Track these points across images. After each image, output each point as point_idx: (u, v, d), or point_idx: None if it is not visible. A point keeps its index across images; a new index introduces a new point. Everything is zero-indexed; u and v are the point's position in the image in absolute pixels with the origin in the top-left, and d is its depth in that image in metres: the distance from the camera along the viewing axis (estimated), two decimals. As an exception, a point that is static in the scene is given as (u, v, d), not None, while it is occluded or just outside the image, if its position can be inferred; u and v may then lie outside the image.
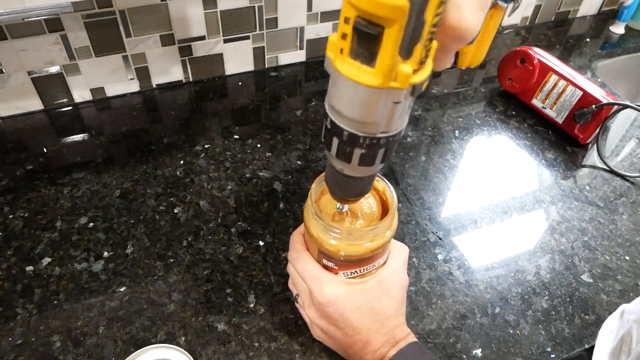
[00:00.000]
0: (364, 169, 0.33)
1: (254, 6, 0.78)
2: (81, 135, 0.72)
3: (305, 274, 0.44)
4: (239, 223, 0.60)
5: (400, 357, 0.40)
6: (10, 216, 0.59)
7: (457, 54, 0.41)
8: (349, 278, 0.44)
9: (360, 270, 0.44)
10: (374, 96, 0.27)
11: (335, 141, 0.32)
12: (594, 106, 0.70)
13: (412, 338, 0.42)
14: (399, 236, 0.59)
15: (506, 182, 0.69)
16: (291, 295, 0.49)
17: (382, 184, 0.45)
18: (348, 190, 0.37)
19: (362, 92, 0.27)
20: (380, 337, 0.41)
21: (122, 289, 0.52)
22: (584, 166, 0.73)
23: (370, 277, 0.44)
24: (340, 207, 0.43)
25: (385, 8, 0.23)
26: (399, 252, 0.47)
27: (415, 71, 0.27)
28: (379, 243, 0.41)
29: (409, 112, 0.31)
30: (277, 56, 0.87)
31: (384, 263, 0.46)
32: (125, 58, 0.75)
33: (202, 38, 0.78)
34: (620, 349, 0.46)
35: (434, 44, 0.27)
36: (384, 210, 0.45)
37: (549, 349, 0.49)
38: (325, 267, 0.44)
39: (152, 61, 0.78)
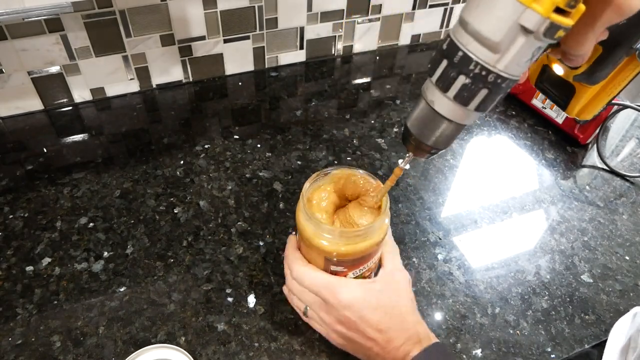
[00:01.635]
0: (455, 106, 0.32)
1: (254, 6, 0.78)
2: (81, 135, 0.72)
3: (317, 286, 0.43)
4: (239, 223, 0.60)
5: (426, 356, 0.40)
6: (10, 216, 0.59)
7: (570, 96, 0.39)
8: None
9: (358, 271, 0.44)
10: (510, 10, 0.27)
11: (443, 63, 0.31)
12: (594, 106, 0.70)
13: (435, 338, 0.42)
14: (399, 236, 0.59)
15: (506, 182, 0.69)
16: (299, 311, 0.48)
17: (376, 182, 0.45)
18: (428, 132, 0.34)
19: (502, 2, 0.27)
20: (402, 333, 0.41)
21: (122, 289, 0.52)
22: (584, 166, 0.73)
23: (376, 278, 0.44)
24: (403, 162, 0.40)
25: None
26: (394, 250, 0.47)
27: (558, 11, 0.26)
28: (373, 242, 0.42)
29: (528, 65, 0.30)
30: (277, 56, 0.87)
31: (377, 262, 0.46)
32: (125, 58, 0.75)
33: (202, 38, 0.78)
34: (629, 346, 0.46)
35: (582, 7, 0.27)
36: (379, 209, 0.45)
37: (549, 349, 0.49)
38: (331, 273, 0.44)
39: (152, 61, 0.78)
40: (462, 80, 0.30)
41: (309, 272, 0.44)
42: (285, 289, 0.49)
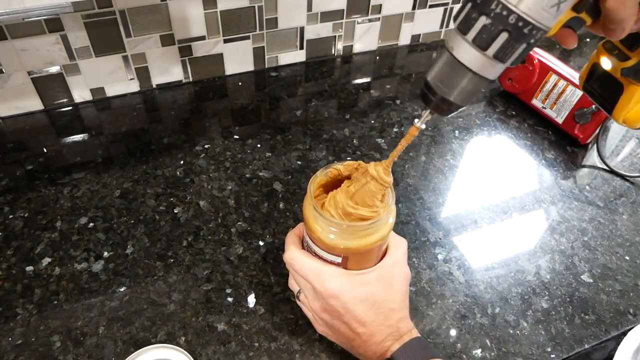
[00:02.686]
0: (474, 52, 0.31)
1: (254, 6, 0.78)
2: (81, 135, 0.72)
3: (305, 272, 0.44)
4: (239, 223, 0.60)
5: (404, 351, 0.40)
6: (10, 216, 0.59)
7: (617, 96, 0.37)
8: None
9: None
10: None
11: (467, 6, 0.30)
12: (594, 106, 0.70)
13: (416, 333, 0.42)
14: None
15: (506, 182, 0.69)
16: (292, 294, 0.49)
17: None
18: (447, 84, 0.33)
19: None
20: (384, 329, 0.42)
21: (122, 289, 0.52)
22: (584, 166, 0.73)
23: (371, 269, 0.44)
24: (419, 121, 0.37)
25: None
26: (398, 245, 0.47)
27: None
28: (379, 236, 0.42)
29: (554, 13, 0.28)
30: (277, 56, 0.87)
31: (383, 256, 0.46)
32: (125, 58, 0.75)
33: (202, 38, 0.78)
34: None
35: None
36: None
37: (549, 349, 0.49)
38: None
39: (152, 61, 0.78)
40: (482, 21, 0.29)
41: (300, 257, 0.44)
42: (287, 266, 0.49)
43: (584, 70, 0.41)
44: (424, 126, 0.37)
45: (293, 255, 0.45)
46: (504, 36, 0.29)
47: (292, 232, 0.48)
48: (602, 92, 0.40)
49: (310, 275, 0.43)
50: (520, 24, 0.28)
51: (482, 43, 0.30)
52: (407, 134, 0.39)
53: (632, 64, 0.35)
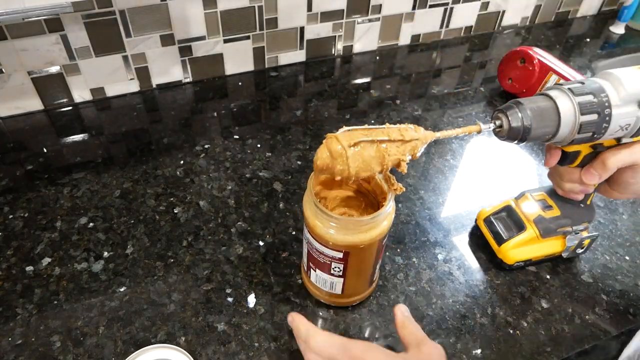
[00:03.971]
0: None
1: (254, 6, 0.78)
2: (81, 135, 0.72)
3: (328, 349, 0.39)
4: (239, 223, 0.60)
5: None
6: (10, 216, 0.59)
7: None
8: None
9: None
10: None
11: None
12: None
13: None
14: (399, 236, 0.59)
15: (506, 182, 0.69)
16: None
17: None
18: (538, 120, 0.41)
19: None
20: None
21: (122, 289, 0.52)
22: (584, 166, 0.73)
23: (409, 353, 0.40)
24: (485, 125, 0.44)
25: None
26: (418, 331, 0.42)
27: None
28: (379, 231, 0.42)
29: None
30: (277, 56, 0.87)
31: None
32: (125, 58, 0.75)
33: (202, 38, 0.78)
34: None
35: None
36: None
37: (549, 349, 0.49)
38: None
39: (152, 61, 0.78)
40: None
41: (318, 336, 0.40)
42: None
43: None
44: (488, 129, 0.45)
45: (310, 331, 0.40)
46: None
47: (298, 315, 0.43)
48: None
49: (335, 348, 0.38)
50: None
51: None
52: (469, 125, 0.45)
53: None
